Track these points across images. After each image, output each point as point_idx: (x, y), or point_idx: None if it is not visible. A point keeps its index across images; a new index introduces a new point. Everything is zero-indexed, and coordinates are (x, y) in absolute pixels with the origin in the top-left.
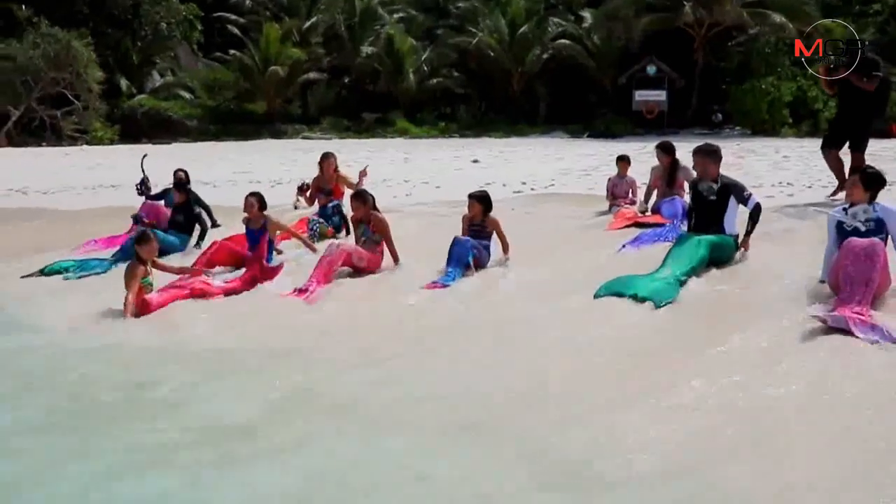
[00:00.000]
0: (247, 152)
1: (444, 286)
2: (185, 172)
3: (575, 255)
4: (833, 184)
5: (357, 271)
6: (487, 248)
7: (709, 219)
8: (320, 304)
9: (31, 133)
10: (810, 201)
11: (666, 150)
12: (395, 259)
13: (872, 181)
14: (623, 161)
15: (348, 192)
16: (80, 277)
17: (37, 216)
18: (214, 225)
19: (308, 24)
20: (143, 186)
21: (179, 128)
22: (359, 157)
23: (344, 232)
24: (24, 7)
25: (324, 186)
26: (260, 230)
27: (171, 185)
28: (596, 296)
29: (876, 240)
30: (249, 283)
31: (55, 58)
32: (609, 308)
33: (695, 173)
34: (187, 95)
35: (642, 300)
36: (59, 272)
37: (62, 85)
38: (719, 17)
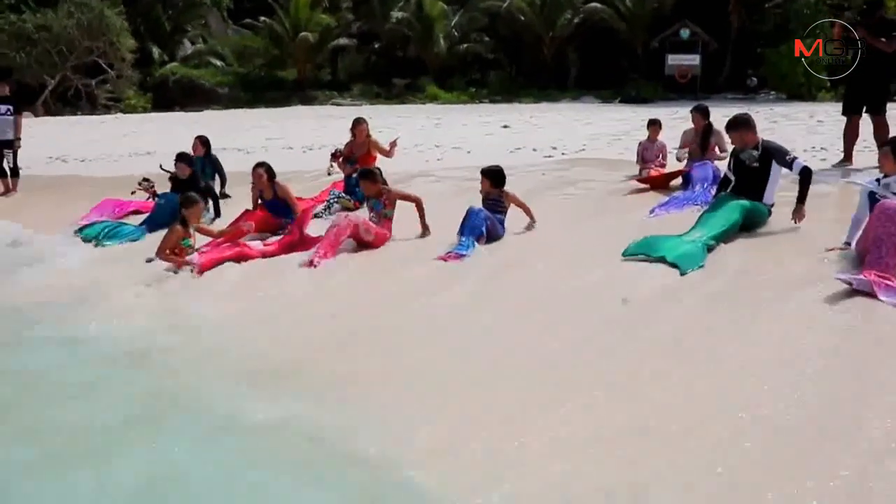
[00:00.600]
0: (278, 119)
1: (459, 256)
2: (204, 139)
3: (604, 219)
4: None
5: (363, 245)
6: (502, 221)
7: (750, 186)
8: (326, 279)
9: (66, 102)
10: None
11: (703, 113)
12: (426, 228)
13: None
14: (654, 125)
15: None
16: (115, 244)
17: (81, 183)
18: (224, 196)
19: None
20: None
21: (211, 95)
22: (389, 122)
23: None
24: None
25: (356, 152)
26: (275, 199)
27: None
28: (624, 254)
29: None
30: (287, 248)
31: (89, 27)
32: (633, 275)
33: (728, 139)
34: (218, 63)
35: (671, 265)
36: (92, 238)
37: (96, 54)
38: None
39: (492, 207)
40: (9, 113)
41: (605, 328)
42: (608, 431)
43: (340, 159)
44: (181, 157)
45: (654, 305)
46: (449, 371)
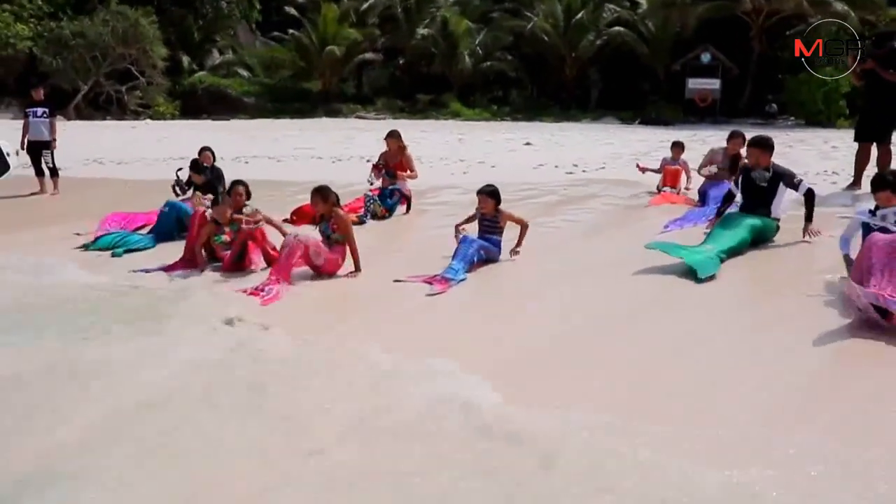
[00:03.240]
0: (304, 129)
1: (445, 281)
2: (211, 151)
3: (620, 231)
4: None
5: (314, 270)
6: (498, 244)
7: (758, 202)
8: (272, 308)
9: (97, 107)
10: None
11: (744, 139)
12: (357, 265)
13: None
14: (677, 147)
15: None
16: (125, 252)
17: (120, 185)
18: None
19: (365, 5)
20: (179, 187)
21: (238, 104)
22: (413, 136)
23: (405, 208)
24: None
25: (389, 161)
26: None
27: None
28: (646, 246)
29: None
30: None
31: (123, 35)
32: (638, 287)
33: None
34: (245, 73)
35: (688, 268)
36: (106, 248)
37: (128, 61)
38: (778, 5)
39: (488, 229)
40: (45, 115)
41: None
42: None
43: (380, 170)
44: (192, 167)
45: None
46: None
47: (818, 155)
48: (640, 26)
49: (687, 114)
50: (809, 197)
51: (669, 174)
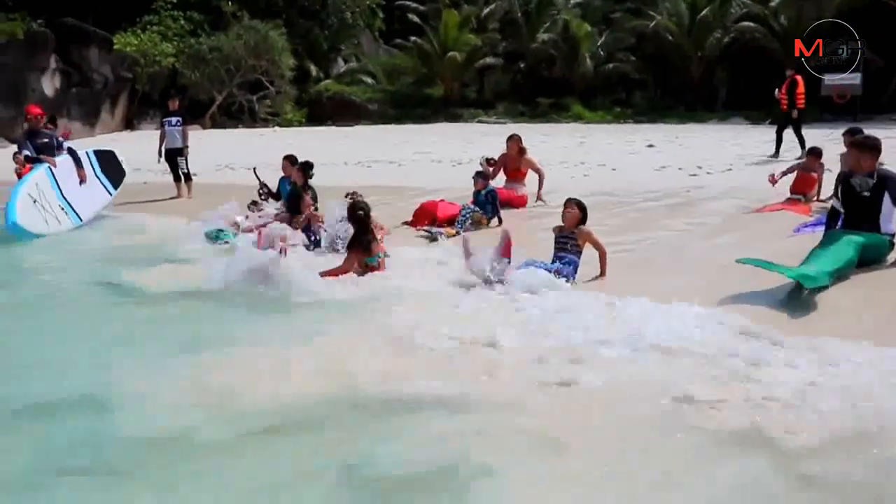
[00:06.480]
0: (425, 134)
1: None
2: (295, 158)
3: (743, 240)
4: None
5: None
6: (574, 264)
7: (862, 217)
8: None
9: (230, 116)
10: None
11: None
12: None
13: None
14: (812, 154)
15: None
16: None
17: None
18: None
19: (486, 10)
20: (264, 190)
21: (362, 111)
22: (534, 140)
23: (496, 220)
24: (229, 3)
25: (509, 165)
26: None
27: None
28: (738, 261)
29: None
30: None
31: (255, 47)
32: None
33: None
34: (369, 80)
35: (793, 279)
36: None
37: (259, 72)
38: None
39: (563, 245)
40: (178, 124)
41: None
42: None
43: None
44: (295, 163)
45: None
46: None
47: None
48: (771, 21)
49: (823, 111)
50: None
51: (800, 180)
